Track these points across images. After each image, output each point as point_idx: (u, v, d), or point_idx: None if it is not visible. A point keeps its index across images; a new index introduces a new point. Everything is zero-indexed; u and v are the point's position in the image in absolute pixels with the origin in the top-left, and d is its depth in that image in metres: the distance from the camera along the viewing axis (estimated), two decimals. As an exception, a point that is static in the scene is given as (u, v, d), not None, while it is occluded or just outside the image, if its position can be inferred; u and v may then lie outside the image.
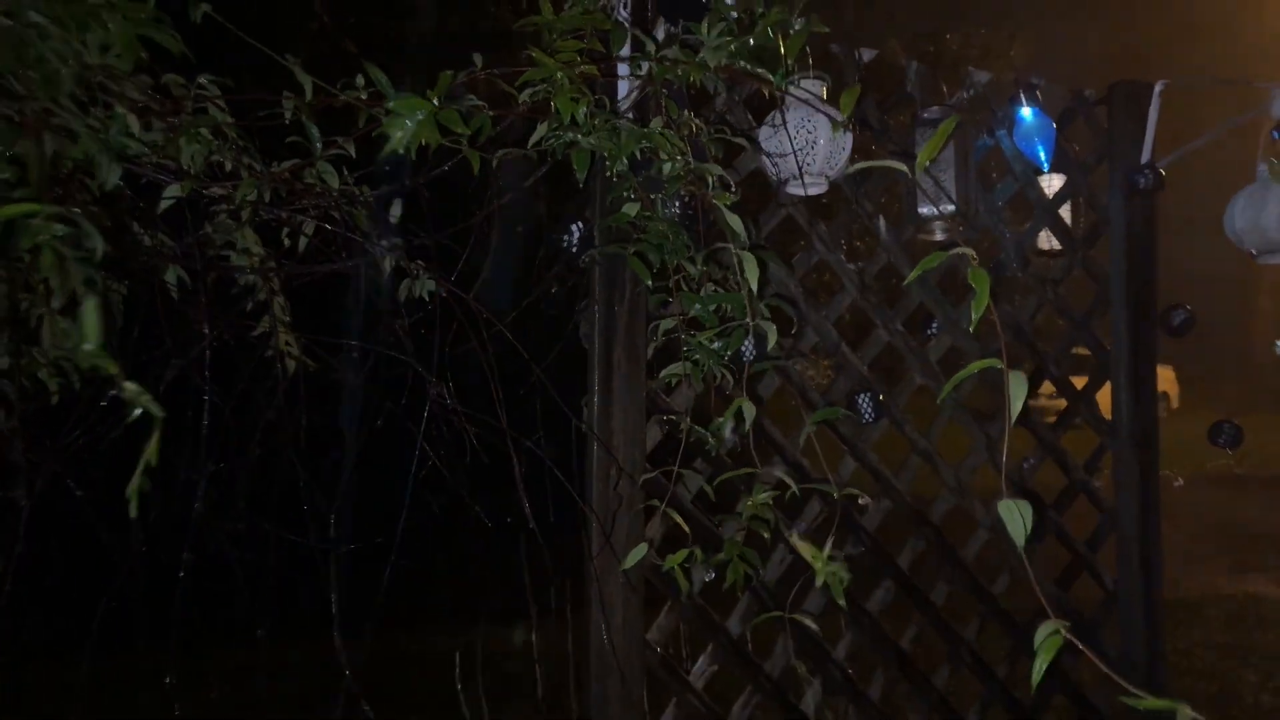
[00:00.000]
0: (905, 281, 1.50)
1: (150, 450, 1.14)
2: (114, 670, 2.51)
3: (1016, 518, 1.11)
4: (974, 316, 1.21)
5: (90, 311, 1.15)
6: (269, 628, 2.03)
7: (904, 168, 1.31)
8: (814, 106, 1.97)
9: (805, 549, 1.43)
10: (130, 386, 1.14)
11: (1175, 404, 18.98)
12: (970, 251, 1.24)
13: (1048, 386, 3.06)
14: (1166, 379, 18.35)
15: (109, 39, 1.64)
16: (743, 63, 1.66)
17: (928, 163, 1.35)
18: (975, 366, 1.22)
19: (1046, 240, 3.07)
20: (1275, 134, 2.71)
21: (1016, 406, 1.20)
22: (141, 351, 1.94)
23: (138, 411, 1.18)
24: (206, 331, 1.83)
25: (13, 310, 2.06)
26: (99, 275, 1.86)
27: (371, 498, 2.10)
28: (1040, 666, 1.06)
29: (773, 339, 1.67)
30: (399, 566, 1.81)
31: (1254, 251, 2.75)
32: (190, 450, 1.87)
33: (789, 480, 1.65)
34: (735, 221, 1.64)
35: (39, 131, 1.56)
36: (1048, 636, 1.13)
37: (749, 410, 1.53)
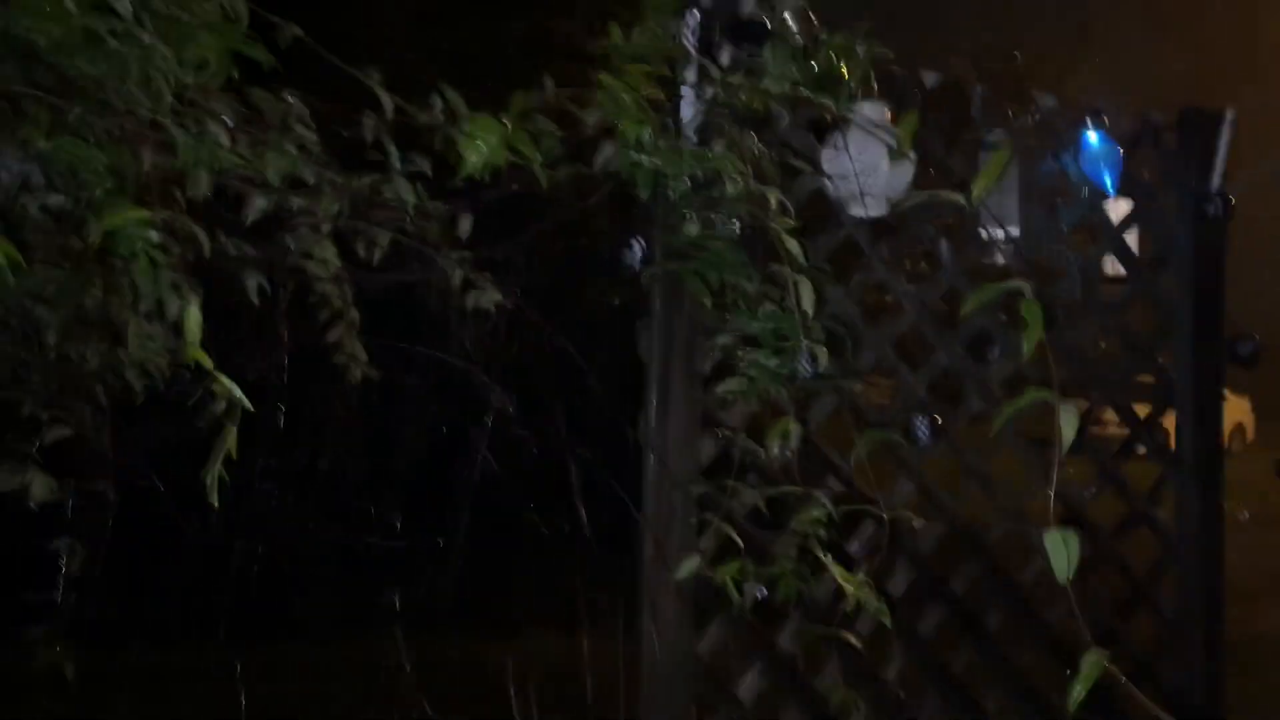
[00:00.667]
0: (962, 314, 1.52)
1: (229, 440, 1.23)
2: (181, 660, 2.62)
3: (1061, 550, 1.13)
4: (1026, 349, 1.23)
5: (192, 313, 1.24)
6: (331, 625, 2.12)
7: (960, 200, 1.34)
8: (872, 134, 2.00)
9: (841, 574, 1.46)
10: (223, 379, 1.23)
11: (1251, 436, 18.35)
12: (1025, 285, 1.27)
13: (1113, 414, 3.03)
14: (1242, 410, 17.74)
15: (204, 56, 1.74)
16: (804, 90, 1.70)
17: (986, 192, 1.37)
18: (1028, 398, 1.24)
19: (1111, 265, 3.04)
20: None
21: (1068, 438, 1.22)
22: (223, 355, 2.04)
23: (223, 405, 1.26)
24: (285, 338, 1.92)
25: (102, 313, 2.18)
26: (189, 280, 1.97)
27: (434, 503, 2.17)
28: (1078, 693, 1.07)
29: (825, 361, 1.70)
30: (457, 572, 1.87)
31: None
32: (266, 452, 1.96)
33: (830, 506, 1.68)
34: (793, 245, 1.68)
35: (139, 145, 1.67)
36: (1091, 665, 1.14)
37: (795, 431, 1.57)
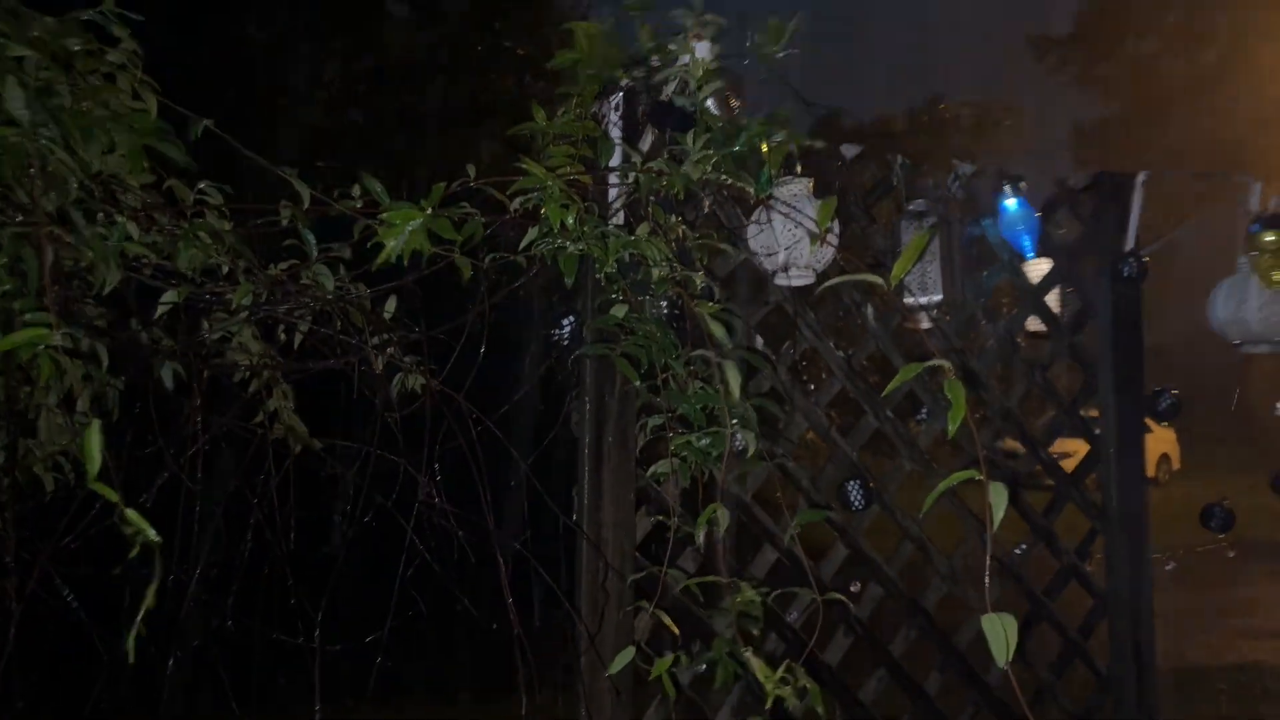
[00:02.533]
0: (884, 392, 1.53)
1: (149, 595, 1.16)
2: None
3: (1000, 633, 1.13)
4: (951, 427, 1.23)
5: (92, 436, 1.17)
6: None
7: (880, 281, 1.35)
8: (790, 215, 2.03)
9: (760, 669, 1.45)
10: (132, 515, 1.16)
11: (1176, 465, 18.89)
12: (946, 364, 1.28)
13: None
14: (1167, 440, 18.27)
15: (116, 147, 1.69)
16: (723, 175, 1.71)
17: (905, 271, 1.39)
18: (955, 478, 1.25)
19: (1034, 325, 3.11)
20: (1253, 228, 2.77)
21: (998, 517, 1.22)
22: (137, 448, 1.97)
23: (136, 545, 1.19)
24: (200, 431, 1.86)
25: (9, 404, 2.10)
26: (98, 372, 1.89)
27: (361, 593, 2.10)
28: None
29: (753, 445, 1.70)
30: (383, 667, 1.81)
31: (1237, 341, 2.79)
32: (182, 548, 1.89)
33: (759, 590, 1.67)
34: (718, 329, 1.68)
35: (43, 241, 1.61)
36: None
37: (723, 517, 1.56)
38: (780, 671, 1.48)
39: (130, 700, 1.90)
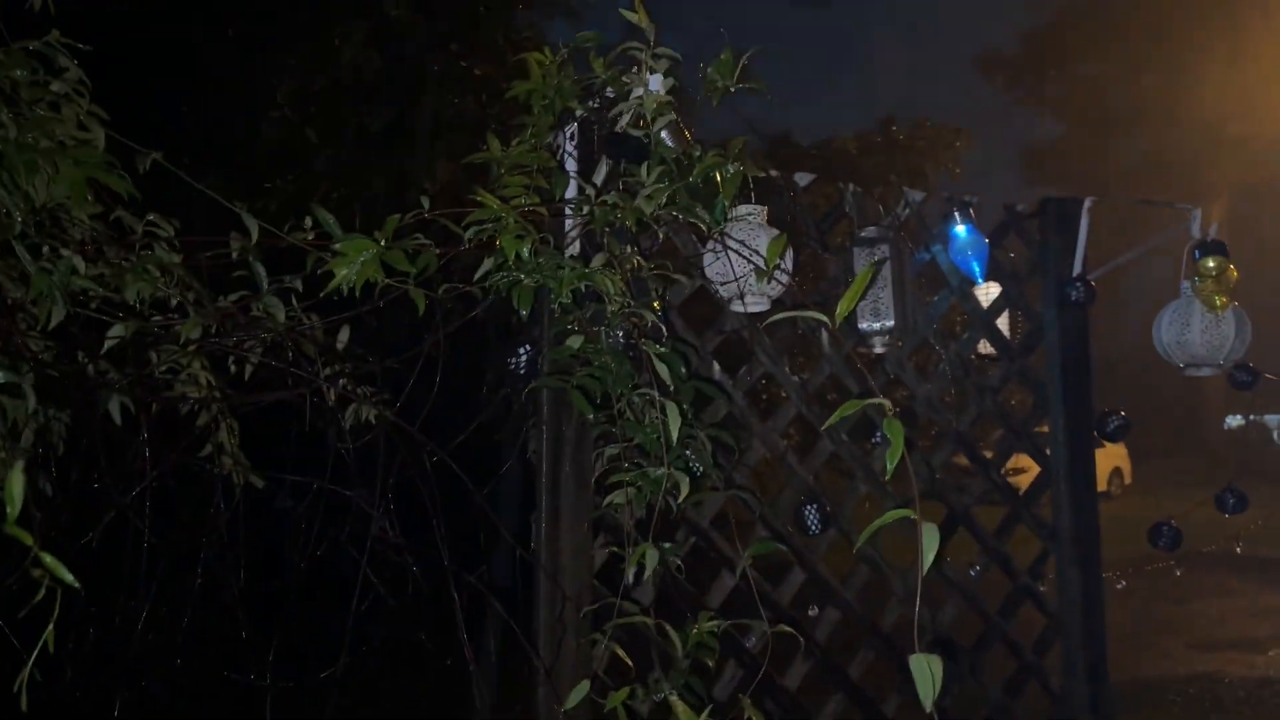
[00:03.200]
0: (825, 426, 1.54)
1: (47, 634, 1.13)
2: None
3: (926, 675, 1.13)
4: (889, 466, 1.24)
5: (15, 477, 1.14)
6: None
7: (824, 319, 1.37)
8: (741, 253, 2.05)
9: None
10: (48, 560, 1.13)
11: (1129, 479, 19.26)
12: (886, 402, 1.29)
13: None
14: (1119, 455, 18.63)
15: (61, 180, 1.67)
16: (675, 212, 1.73)
17: (850, 308, 1.40)
18: (889, 517, 1.26)
19: (985, 348, 3.16)
20: (1196, 254, 2.84)
21: (928, 559, 1.23)
22: (83, 484, 1.93)
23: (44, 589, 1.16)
24: (148, 466, 1.83)
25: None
26: (38, 406, 1.85)
27: (315, 628, 2.08)
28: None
29: (707, 479, 1.70)
30: (339, 704, 1.79)
31: (1181, 364, 2.86)
32: (128, 586, 1.85)
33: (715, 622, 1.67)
34: (662, 369, 1.69)
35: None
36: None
37: (651, 559, 1.57)
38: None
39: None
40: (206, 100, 7.08)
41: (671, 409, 1.64)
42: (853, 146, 12.24)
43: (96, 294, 1.80)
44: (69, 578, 1.04)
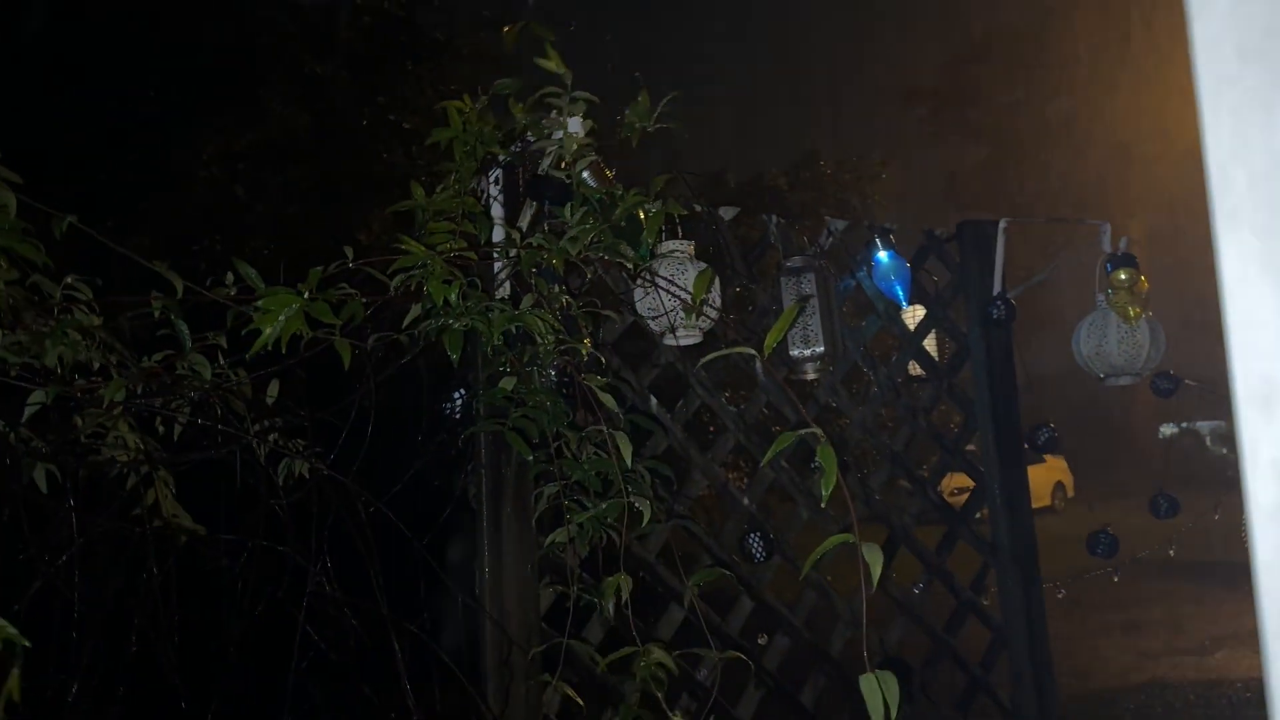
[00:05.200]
0: (764, 461, 1.57)
1: (12, 684, 1.11)
2: None
3: (877, 695, 1.15)
4: (824, 493, 1.27)
5: None
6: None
7: (754, 352, 1.40)
8: (670, 291, 2.08)
9: None
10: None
11: (1071, 492, 19.64)
12: (818, 431, 1.33)
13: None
14: (1060, 469, 19.01)
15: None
16: (602, 253, 1.76)
17: (775, 343, 1.44)
18: (831, 542, 1.29)
19: (914, 370, 3.23)
20: (1109, 266, 2.95)
21: (875, 577, 1.26)
22: (9, 554, 1.88)
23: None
24: (76, 533, 1.79)
25: None
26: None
27: (255, 688, 2.03)
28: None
29: (648, 511, 1.72)
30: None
31: (1101, 375, 2.95)
32: (59, 656, 1.80)
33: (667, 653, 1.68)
34: (608, 399, 1.71)
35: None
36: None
37: (626, 585, 1.57)
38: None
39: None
40: (128, 164, 6.99)
41: (622, 438, 1.65)
42: (783, 182, 12.50)
43: (15, 361, 1.76)
44: (13, 631, 1.03)
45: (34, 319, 1.69)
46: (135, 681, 1.94)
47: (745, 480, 2.82)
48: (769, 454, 1.30)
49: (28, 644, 1.08)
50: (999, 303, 3.07)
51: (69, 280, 1.77)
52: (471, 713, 1.96)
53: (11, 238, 1.58)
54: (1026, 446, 3.15)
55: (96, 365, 1.83)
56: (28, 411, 1.73)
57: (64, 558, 1.72)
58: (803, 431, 1.34)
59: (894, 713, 1.16)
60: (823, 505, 2.33)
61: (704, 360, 1.57)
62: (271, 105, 7.51)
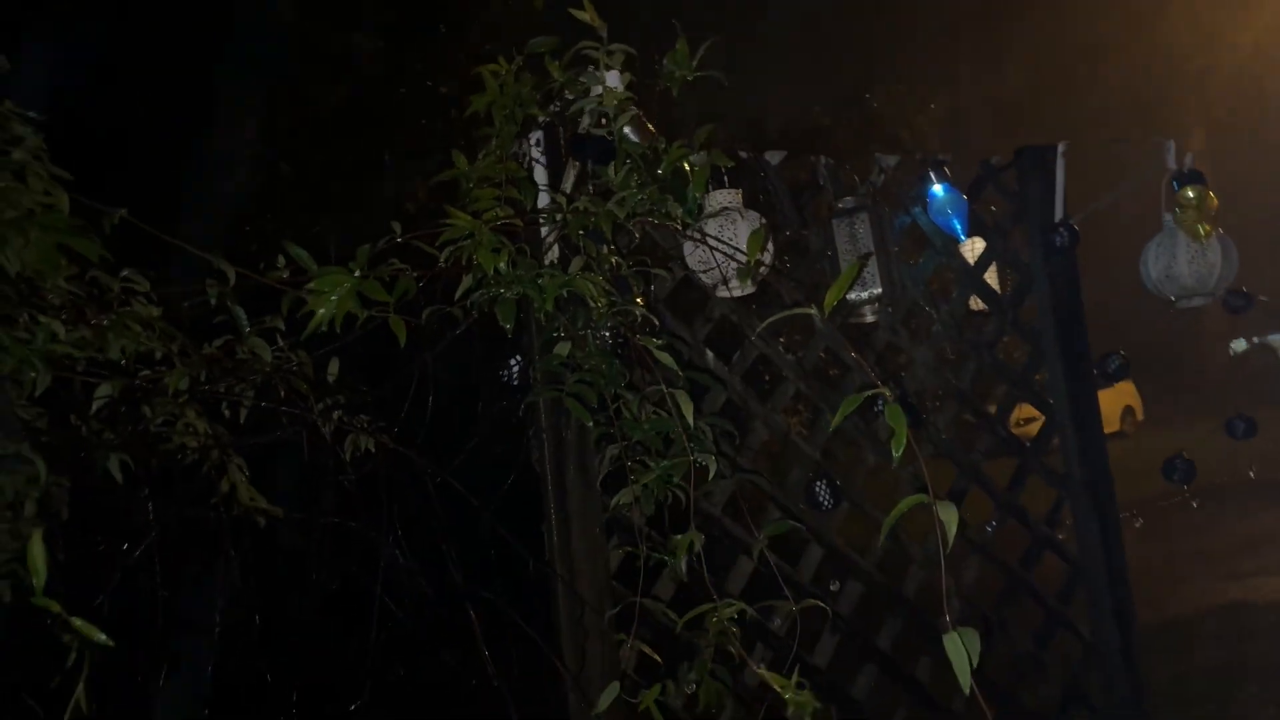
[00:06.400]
0: (833, 426, 1.54)
1: (79, 694, 1.13)
2: None
3: (961, 653, 1.12)
4: (895, 454, 1.24)
5: (35, 548, 1.13)
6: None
7: (814, 311, 1.36)
8: (718, 249, 2.04)
9: (773, 680, 1.45)
10: (79, 624, 1.13)
11: (1140, 416, 19.22)
12: (885, 391, 1.29)
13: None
14: (1129, 394, 18.59)
15: (33, 248, 1.66)
16: (649, 205, 1.72)
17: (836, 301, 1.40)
18: (907, 503, 1.25)
19: (976, 304, 3.15)
20: (1175, 185, 2.83)
21: (950, 534, 1.22)
22: (89, 546, 1.93)
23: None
24: (153, 522, 1.82)
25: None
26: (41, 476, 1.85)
27: (335, 661, 2.08)
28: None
29: (713, 466, 1.70)
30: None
31: (1172, 298, 2.85)
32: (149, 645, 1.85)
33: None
34: (665, 358, 1.68)
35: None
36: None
37: (698, 541, 1.56)
38: (795, 678, 1.49)
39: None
40: (172, 151, 7.07)
41: (682, 396, 1.63)
42: (827, 121, 12.20)
43: (80, 356, 1.79)
44: (102, 637, 1.05)
45: (95, 313, 1.71)
46: (221, 662, 1.99)
47: (805, 429, 2.79)
48: (837, 419, 1.27)
49: (111, 643, 1.10)
50: (1062, 230, 2.97)
51: (126, 273, 1.79)
52: (549, 674, 1.98)
53: (68, 235, 1.59)
54: (1096, 374, 3.07)
55: (159, 355, 1.85)
56: (96, 404, 1.76)
57: (141, 547, 1.76)
58: (869, 392, 1.30)
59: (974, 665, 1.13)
60: (893, 466, 2.28)
61: (765, 323, 1.53)
62: (307, 83, 7.52)
